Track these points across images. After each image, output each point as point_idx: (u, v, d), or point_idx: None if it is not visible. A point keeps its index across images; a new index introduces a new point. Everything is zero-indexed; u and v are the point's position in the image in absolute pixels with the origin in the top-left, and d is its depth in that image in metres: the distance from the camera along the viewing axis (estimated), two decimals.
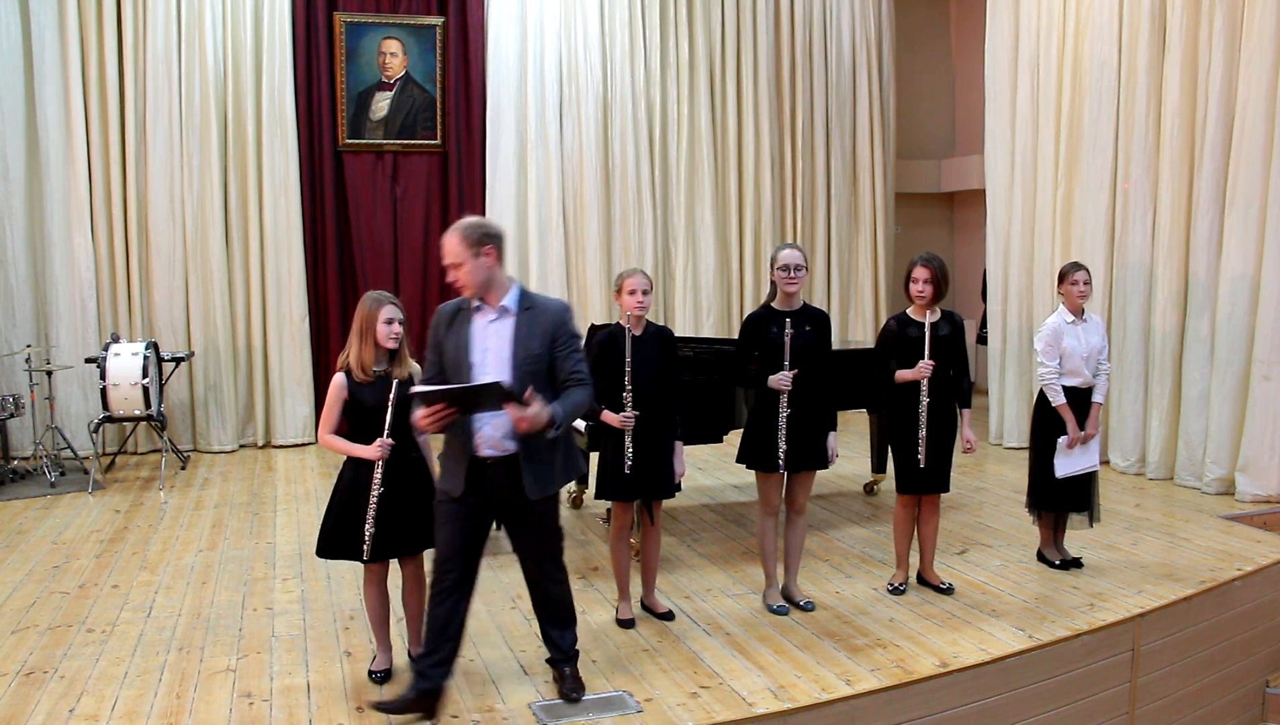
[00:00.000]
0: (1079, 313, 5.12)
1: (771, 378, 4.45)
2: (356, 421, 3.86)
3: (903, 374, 4.71)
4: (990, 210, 8.53)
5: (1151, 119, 7.01)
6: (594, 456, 4.77)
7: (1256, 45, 6.30)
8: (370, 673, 3.98)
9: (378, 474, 3.78)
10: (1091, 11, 7.43)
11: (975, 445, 4.93)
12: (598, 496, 4.51)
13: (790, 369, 4.44)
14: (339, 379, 3.85)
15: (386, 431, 3.78)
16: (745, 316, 4.75)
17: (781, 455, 4.46)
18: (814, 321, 4.56)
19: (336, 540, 3.88)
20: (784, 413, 4.45)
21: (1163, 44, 6.95)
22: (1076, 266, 5.17)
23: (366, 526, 3.78)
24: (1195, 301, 6.76)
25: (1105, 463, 7.41)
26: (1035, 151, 8.01)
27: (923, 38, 11.13)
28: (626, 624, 4.49)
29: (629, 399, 4.31)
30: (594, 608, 4.70)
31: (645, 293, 4.35)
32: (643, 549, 4.64)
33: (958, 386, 4.80)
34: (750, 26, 9.69)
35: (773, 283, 4.58)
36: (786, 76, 9.91)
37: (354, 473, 3.86)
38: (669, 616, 4.56)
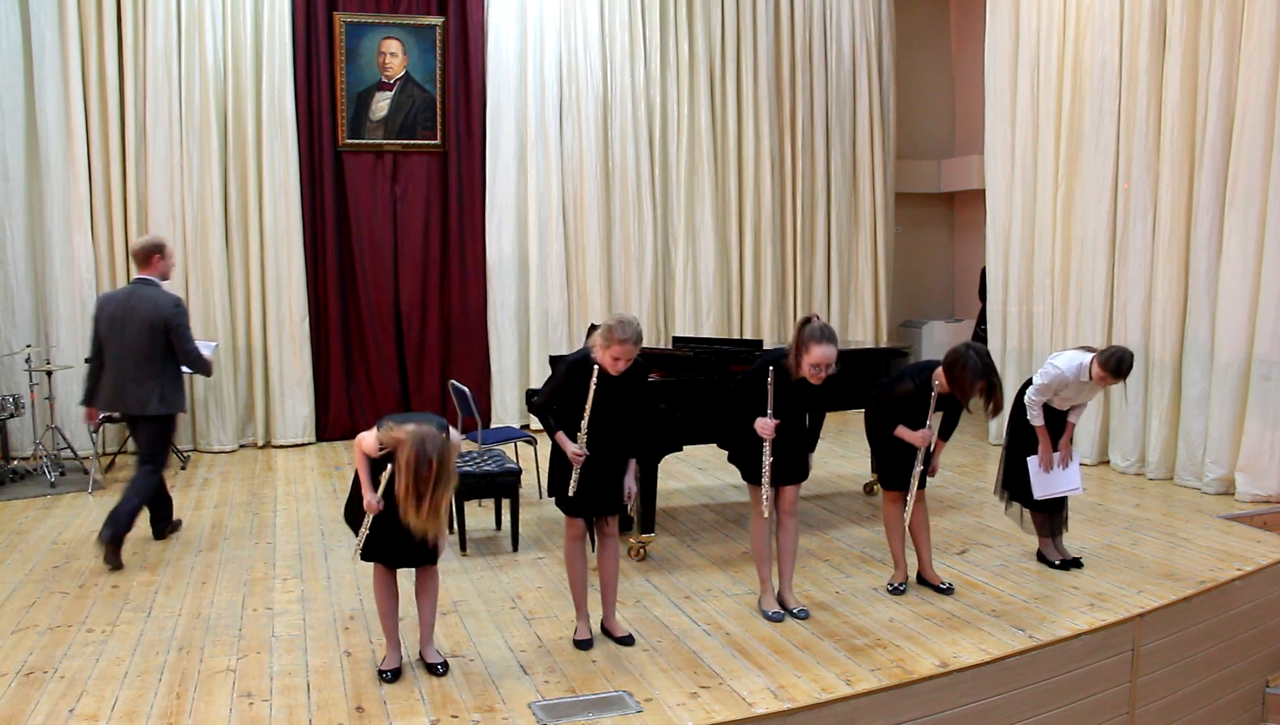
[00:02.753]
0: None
1: (758, 422, 4.43)
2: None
3: (903, 433, 4.75)
4: (990, 210, 8.52)
5: (1151, 119, 7.00)
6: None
7: (1256, 45, 6.30)
8: (380, 671, 3.98)
9: (368, 518, 3.83)
10: (1091, 11, 7.43)
11: (937, 471, 4.95)
12: (549, 493, 4.30)
13: (773, 418, 4.41)
14: (371, 446, 3.77)
15: (380, 490, 3.75)
16: (762, 357, 4.65)
17: (766, 472, 4.45)
18: (821, 387, 4.45)
19: (351, 517, 3.99)
20: (768, 458, 4.43)
21: (1163, 44, 6.95)
22: (1119, 371, 4.86)
23: (358, 540, 3.86)
24: (1195, 301, 6.76)
25: (1105, 463, 7.43)
26: (1035, 151, 8.01)
27: (923, 38, 11.12)
28: (583, 645, 4.26)
29: (583, 439, 4.14)
30: (594, 608, 4.67)
31: (629, 361, 4.11)
32: (599, 567, 4.40)
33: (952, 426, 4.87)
34: (750, 26, 9.69)
35: (797, 345, 4.34)
36: (786, 76, 9.90)
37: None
38: (628, 641, 4.30)
